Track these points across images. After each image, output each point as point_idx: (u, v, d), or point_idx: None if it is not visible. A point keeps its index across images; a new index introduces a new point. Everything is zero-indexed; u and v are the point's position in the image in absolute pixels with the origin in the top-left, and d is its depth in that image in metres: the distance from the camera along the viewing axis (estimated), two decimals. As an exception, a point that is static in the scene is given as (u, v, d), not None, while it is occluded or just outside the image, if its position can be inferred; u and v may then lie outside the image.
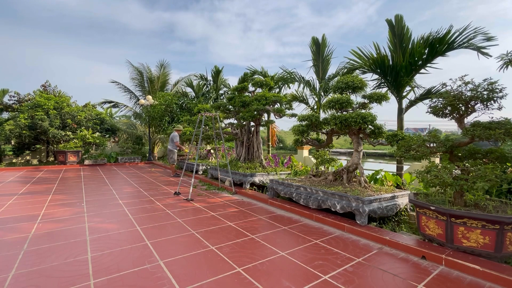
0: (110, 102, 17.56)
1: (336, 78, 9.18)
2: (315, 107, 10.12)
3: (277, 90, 11.87)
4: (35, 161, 13.33)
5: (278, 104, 7.64)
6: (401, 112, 6.78)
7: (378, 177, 5.75)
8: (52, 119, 12.25)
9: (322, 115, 5.56)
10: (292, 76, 10.48)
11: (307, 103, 10.33)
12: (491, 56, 5.52)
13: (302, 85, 10.23)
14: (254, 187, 6.57)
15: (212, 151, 11.55)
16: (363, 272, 2.59)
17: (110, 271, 2.53)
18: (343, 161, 8.27)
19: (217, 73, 15.31)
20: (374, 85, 7.43)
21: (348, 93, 5.04)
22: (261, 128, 8.92)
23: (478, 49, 5.67)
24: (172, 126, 14.68)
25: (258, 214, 4.63)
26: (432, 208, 2.96)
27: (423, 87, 6.74)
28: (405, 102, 6.90)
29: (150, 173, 10.08)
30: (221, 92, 16.06)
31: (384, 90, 6.85)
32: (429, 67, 6.51)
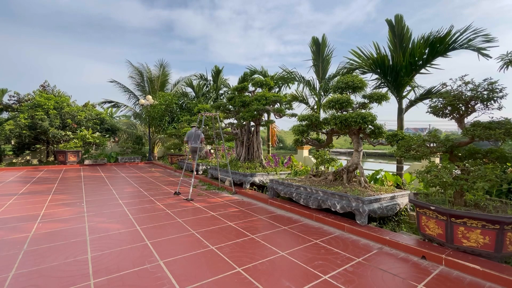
0: (110, 102, 17.56)
1: (336, 78, 9.18)
2: (315, 107, 10.11)
3: (277, 90, 11.87)
4: (35, 161, 13.33)
5: (278, 104, 7.63)
6: (401, 112, 6.78)
7: (378, 177, 5.75)
8: (52, 119, 12.25)
9: (322, 115, 5.56)
10: (292, 76, 10.48)
11: (307, 103, 10.32)
12: (491, 57, 5.52)
13: (302, 85, 10.23)
14: (254, 187, 6.57)
15: (212, 151, 11.56)
16: (363, 272, 2.59)
17: (110, 271, 2.53)
18: (343, 161, 8.27)
19: (217, 73, 15.31)
20: (374, 85, 7.43)
21: (348, 93, 5.04)
22: (261, 128, 8.92)
23: (478, 50, 5.67)
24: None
25: (258, 214, 4.63)
26: (432, 208, 2.96)
27: (423, 87, 6.74)
28: (405, 102, 6.90)
29: (150, 173, 10.08)
30: (221, 92, 16.05)
31: (384, 90, 6.84)
32: (430, 67, 6.50)
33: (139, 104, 15.64)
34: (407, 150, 3.54)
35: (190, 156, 8.19)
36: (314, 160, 8.52)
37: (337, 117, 4.62)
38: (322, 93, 9.84)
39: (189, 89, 17.64)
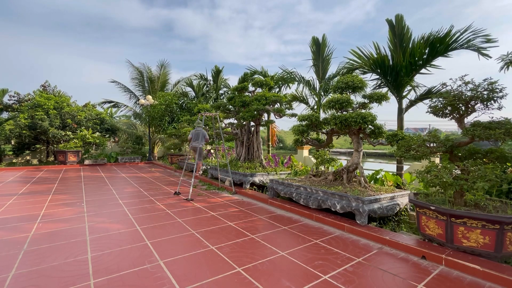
0: (110, 102, 17.55)
1: (336, 78, 9.18)
2: (315, 107, 10.11)
3: (277, 90, 11.87)
4: (35, 161, 13.33)
5: (278, 104, 7.64)
6: (401, 112, 6.78)
7: (378, 177, 5.75)
8: (52, 119, 12.25)
9: (322, 115, 5.56)
10: (292, 76, 10.47)
11: (307, 103, 10.32)
12: (490, 57, 5.53)
13: (302, 85, 10.23)
14: (254, 187, 6.57)
15: (212, 151, 11.56)
16: (363, 272, 2.59)
17: (110, 271, 2.53)
18: (343, 161, 8.27)
19: (217, 73, 15.31)
20: (374, 85, 7.43)
21: (348, 93, 5.04)
22: (261, 128, 8.93)
23: (478, 50, 5.67)
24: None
25: (258, 214, 4.63)
26: (432, 208, 2.96)
27: (425, 86, 6.73)
28: (405, 102, 6.89)
29: (150, 173, 10.08)
30: (221, 92, 16.05)
31: (384, 90, 6.84)
32: (430, 66, 6.50)
33: (139, 104, 15.64)
34: (407, 150, 3.54)
35: (190, 156, 8.22)
36: (314, 160, 8.52)
37: (337, 117, 4.62)
38: (322, 93, 9.84)
39: (189, 89, 17.64)
